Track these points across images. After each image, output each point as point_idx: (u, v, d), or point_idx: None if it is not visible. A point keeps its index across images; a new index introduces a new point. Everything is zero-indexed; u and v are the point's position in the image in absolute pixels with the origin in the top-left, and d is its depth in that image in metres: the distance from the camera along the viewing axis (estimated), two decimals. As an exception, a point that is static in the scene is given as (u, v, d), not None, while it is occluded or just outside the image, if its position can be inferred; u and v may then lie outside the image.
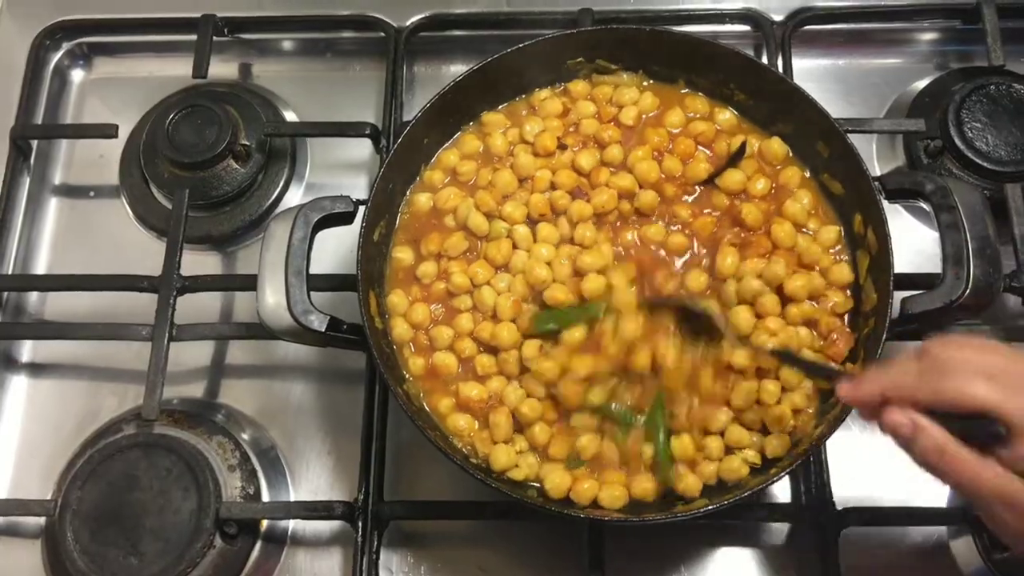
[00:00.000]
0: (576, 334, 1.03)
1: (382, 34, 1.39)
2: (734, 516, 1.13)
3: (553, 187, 1.14)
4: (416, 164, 1.17)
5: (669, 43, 1.17)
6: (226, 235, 1.33)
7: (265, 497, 1.18)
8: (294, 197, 1.37)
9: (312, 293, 1.05)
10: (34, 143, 1.39)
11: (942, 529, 1.14)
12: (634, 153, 1.15)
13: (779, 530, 1.15)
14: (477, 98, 1.19)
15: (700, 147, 1.17)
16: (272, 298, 1.04)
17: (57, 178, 1.41)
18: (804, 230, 1.12)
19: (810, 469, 1.13)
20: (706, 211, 1.14)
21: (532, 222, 1.13)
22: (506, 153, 1.17)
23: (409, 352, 1.10)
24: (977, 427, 0.77)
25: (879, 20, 1.41)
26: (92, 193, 1.40)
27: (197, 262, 1.30)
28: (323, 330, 1.03)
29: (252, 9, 1.44)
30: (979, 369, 0.77)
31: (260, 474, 1.19)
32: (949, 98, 1.29)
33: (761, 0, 1.40)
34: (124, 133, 1.37)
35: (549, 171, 1.15)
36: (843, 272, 1.09)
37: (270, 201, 1.34)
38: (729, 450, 1.03)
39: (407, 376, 1.08)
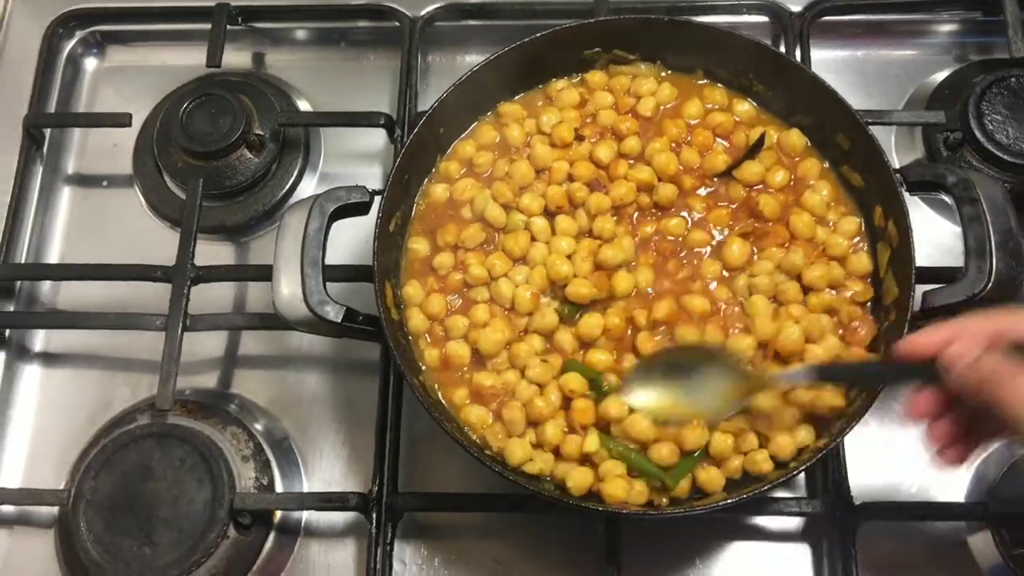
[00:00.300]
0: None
1: (396, 23, 1.38)
2: (751, 510, 1.13)
3: (571, 179, 1.13)
4: (432, 155, 1.16)
5: (687, 33, 1.16)
6: (239, 225, 1.33)
7: (279, 488, 1.17)
8: (308, 187, 1.36)
9: (327, 284, 1.04)
10: (47, 132, 1.39)
11: (960, 524, 1.14)
12: (652, 145, 1.14)
13: (795, 524, 1.15)
14: (494, 88, 1.18)
15: (718, 139, 1.16)
16: (287, 288, 1.03)
17: (70, 167, 1.41)
18: (824, 223, 1.11)
19: (828, 463, 1.13)
20: (722, 203, 1.13)
21: (550, 214, 1.12)
22: (523, 144, 1.16)
23: (425, 343, 1.09)
24: None
25: (898, 11, 1.40)
26: (105, 182, 1.39)
27: (210, 252, 1.30)
28: (339, 321, 1.02)
29: (266, -2, 1.44)
30: None
31: (274, 465, 1.19)
32: (969, 90, 1.28)
33: (779, -10, 1.39)
34: (137, 122, 1.36)
35: (566, 162, 1.14)
36: (862, 261, 1.08)
37: (284, 191, 1.34)
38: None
39: (423, 367, 1.08)
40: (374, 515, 1.12)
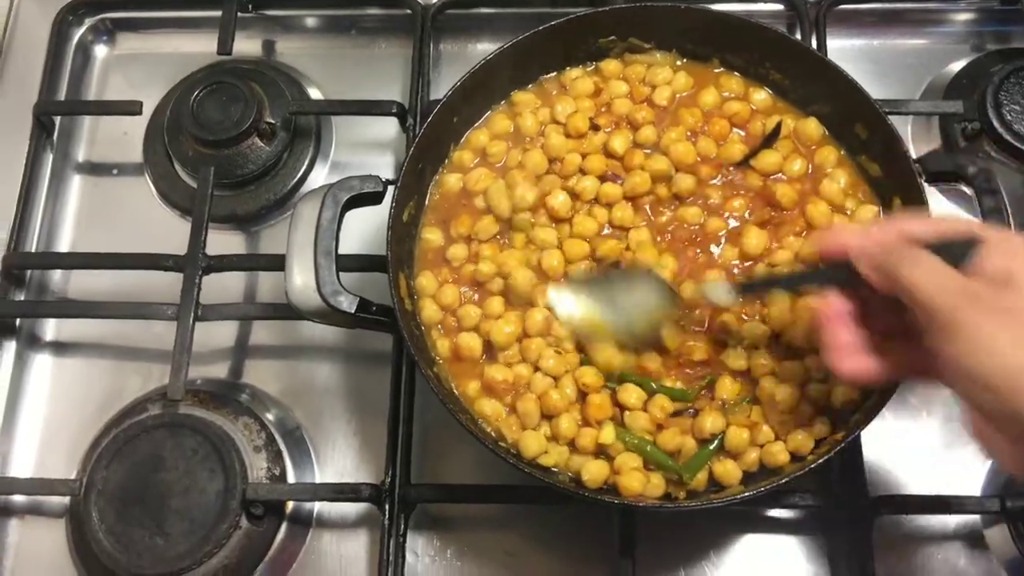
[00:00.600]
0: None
1: (408, 11, 1.37)
2: (767, 502, 1.12)
3: (583, 172, 1.12)
4: (446, 144, 1.15)
5: (703, 21, 1.15)
6: (251, 214, 1.32)
7: (291, 478, 1.17)
8: (319, 176, 1.35)
9: (340, 274, 1.03)
10: (57, 120, 1.38)
11: (976, 518, 1.13)
12: (668, 134, 1.13)
13: (810, 517, 1.14)
14: (507, 77, 1.16)
15: (734, 128, 1.15)
16: (300, 279, 1.03)
17: (80, 155, 1.40)
18: (841, 211, 1.10)
19: (844, 456, 1.11)
20: (739, 192, 1.12)
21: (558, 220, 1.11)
22: (537, 134, 1.15)
23: (438, 334, 1.08)
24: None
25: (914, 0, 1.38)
26: (116, 171, 1.39)
27: (221, 241, 1.29)
28: (352, 311, 1.01)
29: (276, -15, 1.43)
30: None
31: (286, 455, 1.18)
32: (987, 80, 1.27)
33: (795, -21, 1.38)
34: (148, 110, 1.35)
35: (579, 155, 1.13)
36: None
37: (295, 180, 1.33)
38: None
39: (436, 359, 1.07)
40: (387, 506, 1.11)
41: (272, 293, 1.26)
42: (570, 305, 1.04)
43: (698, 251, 1.09)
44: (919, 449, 1.16)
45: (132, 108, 1.33)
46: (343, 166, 1.36)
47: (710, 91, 1.16)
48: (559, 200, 1.10)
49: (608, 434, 1.00)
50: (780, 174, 1.12)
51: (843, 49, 1.36)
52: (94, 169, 1.39)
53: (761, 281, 1.04)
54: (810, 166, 1.13)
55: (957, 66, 1.35)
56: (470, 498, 1.15)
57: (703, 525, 1.13)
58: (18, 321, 1.28)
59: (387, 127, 1.35)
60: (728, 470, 0.99)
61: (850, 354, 0.85)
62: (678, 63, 1.18)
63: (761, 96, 1.16)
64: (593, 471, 0.98)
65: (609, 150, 1.12)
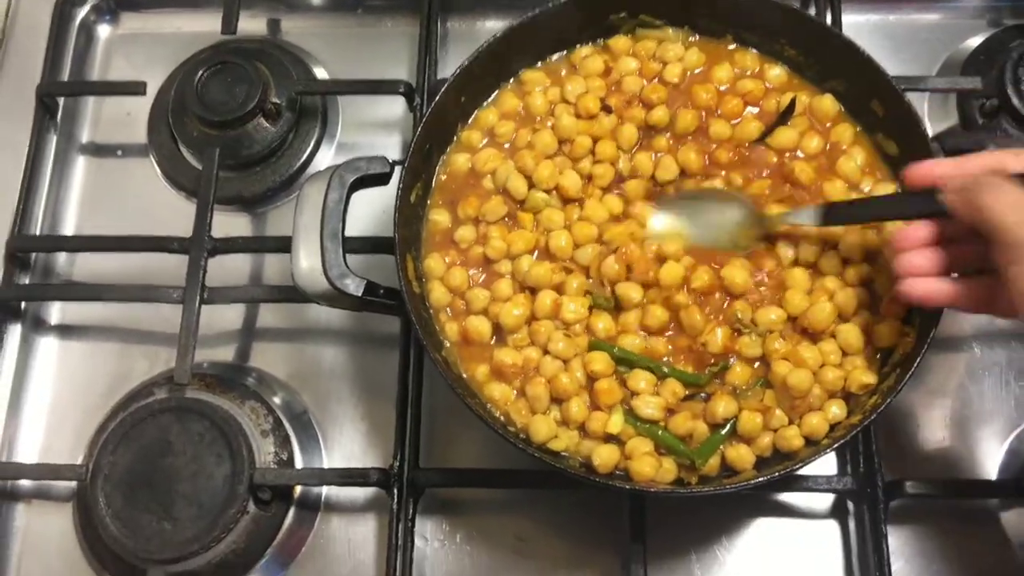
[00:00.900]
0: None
1: (415, -11, 1.35)
2: (780, 487, 1.11)
3: (593, 154, 1.11)
4: (453, 124, 1.13)
5: (717, -5, 1.13)
6: (257, 196, 1.30)
7: (298, 463, 1.16)
8: (325, 157, 1.34)
9: (347, 256, 1.02)
10: (60, 100, 1.37)
11: (993, 501, 1.11)
12: (683, 115, 1.11)
13: (823, 501, 1.13)
14: (516, 55, 1.14)
15: (748, 106, 1.13)
16: (307, 261, 1.01)
17: (84, 136, 1.39)
18: (858, 190, 1.08)
19: (858, 440, 1.10)
20: (754, 170, 1.10)
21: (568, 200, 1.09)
22: (546, 113, 1.13)
23: (446, 317, 1.07)
24: None
25: (930, -26, 1.36)
26: (120, 152, 1.37)
27: (226, 223, 1.27)
28: (359, 294, 1.00)
29: (281, -38, 1.40)
30: None
31: (293, 439, 1.17)
32: (1006, 55, 1.24)
33: (809, -47, 1.35)
34: (152, 90, 1.34)
35: (589, 137, 1.11)
36: (897, 228, 1.05)
37: (301, 161, 1.32)
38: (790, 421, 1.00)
39: (445, 342, 1.05)
40: (395, 491, 1.10)
41: (279, 276, 1.25)
42: (660, 221, 1.07)
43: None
44: (935, 433, 1.14)
45: (136, 88, 1.31)
46: (350, 147, 1.34)
47: (724, 67, 1.14)
48: (570, 180, 1.08)
49: (616, 423, 0.98)
50: (797, 151, 1.10)
51: (858, 24, 1.33)
52: (98, 151, 1.38)
53: (845, 208, 1.03)
54: (827, 144, 1.10)
55: (974, 42, 1.32)
56: (479, 482, 1.14)
57: (715, 510, 1.12)
58: (23, 304, 1.27)
59: (394, 107, 1.33)
60: (741, 455, 0.98)
61: (924, 279, 0.89)
62: (690, 39, 1.16)
63: (776, 72, 1.14)
64: (604, 456, 0.97)
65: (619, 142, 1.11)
